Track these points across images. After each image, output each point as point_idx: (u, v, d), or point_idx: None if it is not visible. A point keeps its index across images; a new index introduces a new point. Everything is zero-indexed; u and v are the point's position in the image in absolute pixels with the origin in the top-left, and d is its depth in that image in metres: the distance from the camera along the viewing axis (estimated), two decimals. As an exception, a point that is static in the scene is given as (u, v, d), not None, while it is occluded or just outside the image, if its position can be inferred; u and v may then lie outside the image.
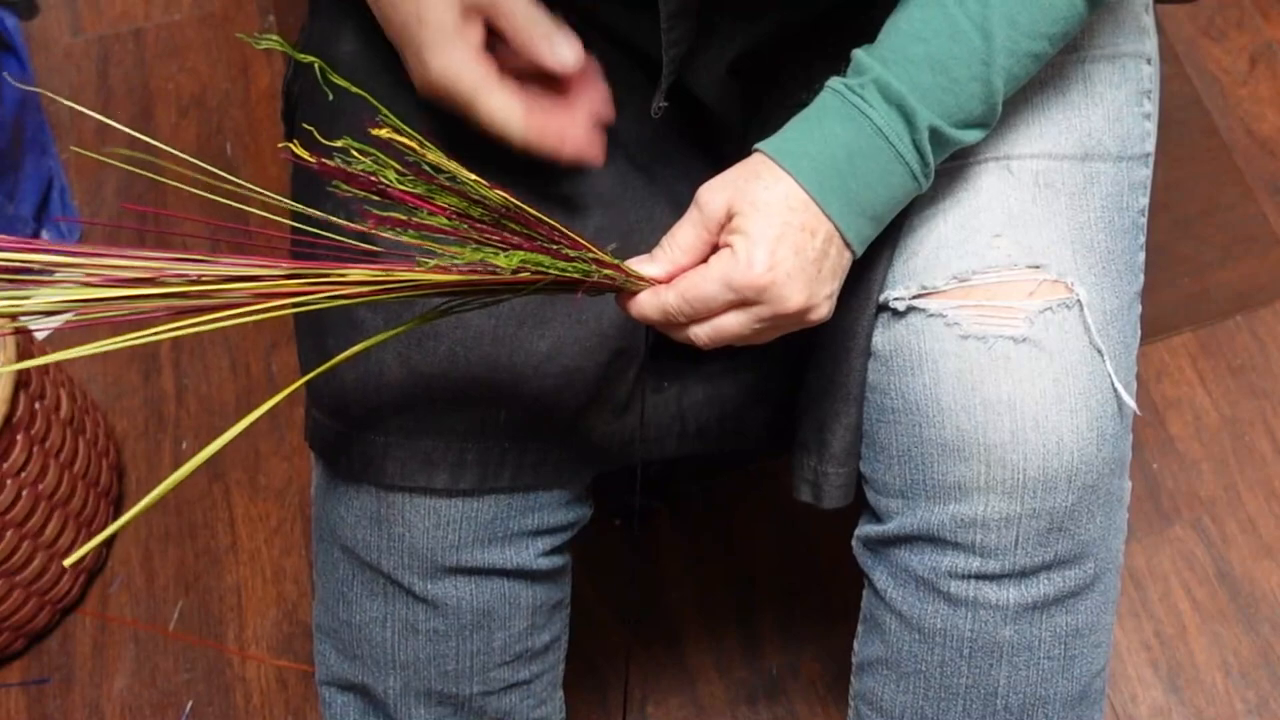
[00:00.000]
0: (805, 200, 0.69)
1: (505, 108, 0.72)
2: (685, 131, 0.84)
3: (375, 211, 0.64)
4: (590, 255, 0.69)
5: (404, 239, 0.64)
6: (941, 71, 0.70)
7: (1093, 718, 0.82)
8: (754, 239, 0.68)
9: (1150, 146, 0.84)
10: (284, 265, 0.65)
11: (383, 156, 0.64)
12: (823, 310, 0.71)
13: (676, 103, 0.82)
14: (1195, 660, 1.24)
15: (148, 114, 1.60)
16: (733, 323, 0.70)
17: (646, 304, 0.71)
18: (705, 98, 0.84)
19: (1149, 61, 0.85)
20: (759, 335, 0.71)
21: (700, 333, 0.70)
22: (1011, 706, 0.78)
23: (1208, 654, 1.25)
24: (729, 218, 0.70)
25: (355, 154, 0.63)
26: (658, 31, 0.77)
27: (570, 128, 0.74)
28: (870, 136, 0.70)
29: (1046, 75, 0.79)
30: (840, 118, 0.71)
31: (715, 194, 0.70)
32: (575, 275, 0.68)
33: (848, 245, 0.72)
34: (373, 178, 0.64)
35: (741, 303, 0.69)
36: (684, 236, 0.71)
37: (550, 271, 0.67)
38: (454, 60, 0.71)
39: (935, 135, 0.71)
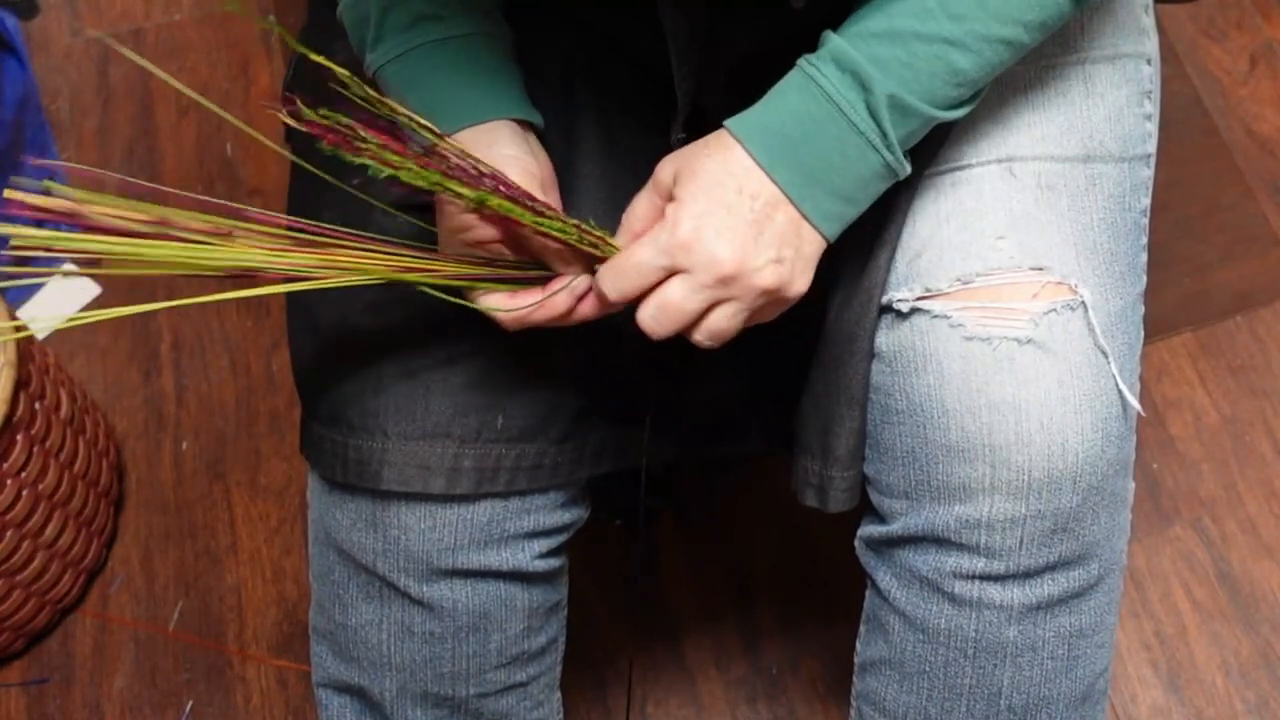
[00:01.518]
0: (749, 166, 0.69)
1: (493, 302, 0.73)
2: None
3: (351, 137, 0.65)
4: (571, 220, 0.70)
5: (363, 160, 0.65)
6: (901, 46, 0.69)
7: (1095, 718, 0.82)
8: (683, 201, 0.69)
9: (1152, 147, 0.84)
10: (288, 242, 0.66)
11: (344, 120, 0.66)
12: (767, 276, 0.69)
13: (694, 125, 0.82)
14: (1195, 660, 1.24)
15: (148, 114, 1.60)
16: (674, 295, 0.69)
17: (592, 281, 0.72)
18: (709, 109, 0.84)
19: (1149, 62, 0.85)
20: (715, 311, 0.70)
21: (645, 314, 0.70)
22: (1015, 707, 0.78)
23: (1208, 654, 1.24)
24: (673, 190, 0.71)
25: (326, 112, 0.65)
26: (667, 51, 0.78)
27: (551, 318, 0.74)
28: (821, 104, 0.69)
29: (1047, 77, 0.79)
30: (795, 88, 0.71)
31: (666, 164, 0.72)
32: (554, 233, 0.69)
33: (806, 218, 0.71)
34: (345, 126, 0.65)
35: (675, 268, 0.69)
36: (638, 205, 0.72)
37: (525, 221, 0.68)
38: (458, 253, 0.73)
39: (896, 104, 0.69)
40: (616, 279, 0.69)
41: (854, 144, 0.70)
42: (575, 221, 0.70)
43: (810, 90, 0.70)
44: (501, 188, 0.68)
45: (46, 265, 0.63)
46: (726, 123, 0.71)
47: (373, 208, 0.77)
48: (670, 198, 0.71)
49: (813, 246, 0.72)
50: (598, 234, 0.71)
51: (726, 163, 0.69)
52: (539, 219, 0.69)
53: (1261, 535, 1.30)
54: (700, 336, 0.71)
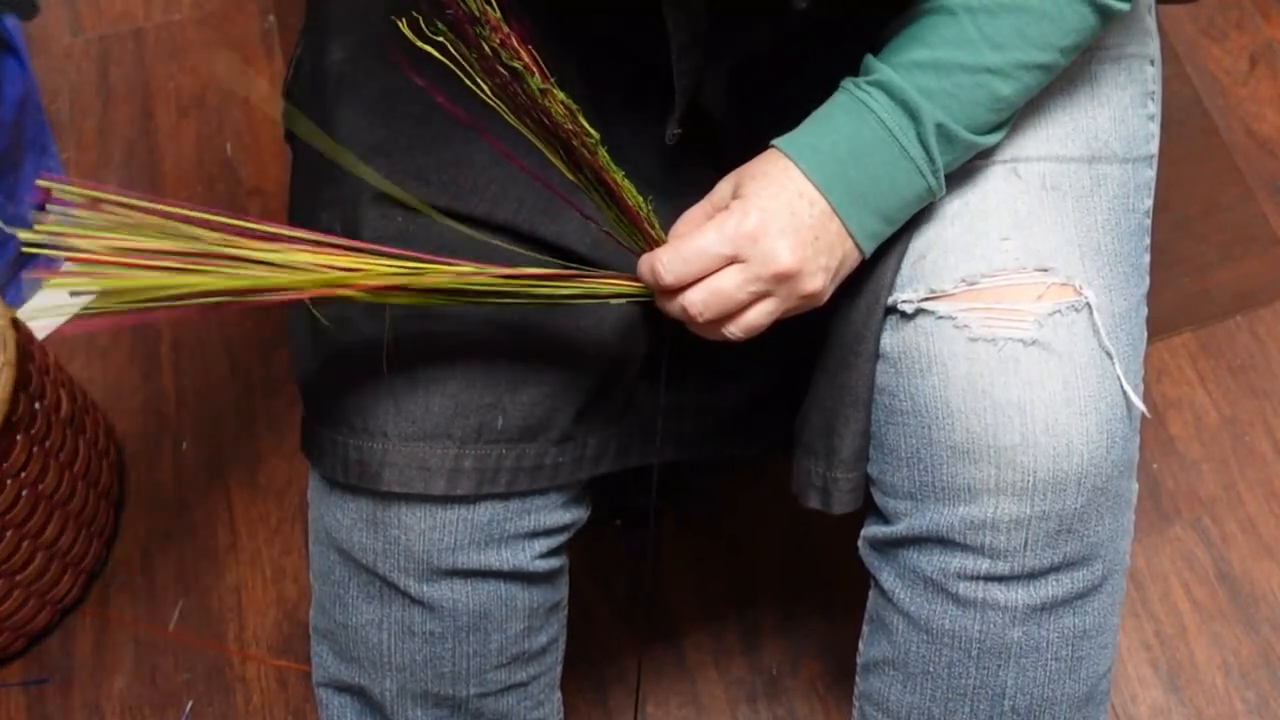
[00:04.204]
0: (806, 182, 0.72)
1: None
2: (702, 151, 0.85)
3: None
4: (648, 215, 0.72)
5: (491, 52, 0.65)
6: (947, 77, 0.72)
7: (1098, 719, 0.82)
8: (750, 199, 0.71)
9: (1154, 148, 0.84)
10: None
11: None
12: (817, 281, 0.72)
13: (690, 123, 0.83)
14: (1195, 660, 1.24)
15: (148, 114, 1.60)
16: (728, 283, 0.71)
17: (643, 262, 0.73)
18: (709, 109, 0.84)
19: (1152, 62, 0.85)
20: (755, 306, 0.72)
21: (695, 297, 0.71)
22: (1019, 708, 0.78)
23: (1208, 654, 1.24)
24: (734, 197, 0.73)
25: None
26: (667, 48, 0.78)
27: None
28: (874, 130, 0.72)
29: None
30: (847, 113, 0.73)
31: (725, 181, 0.74)
32: (629, 198, 0.71)
33: (850, 235, 0.73)
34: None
35: (735, 258, 0.71)
36: (693, 213, 0.75)
37: (616, 178, 0.70)
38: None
39: (943, 133, 0.72)
40: (680, 263, 0.71)
41: (903, 169, 0.72)
42: (646, 199, 0.72)
43: (863, 115, 0.72)
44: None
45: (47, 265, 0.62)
46: (775, 142, 0.74)
47: (368, 208, 0.78)
48: (726, 208, 0.73)
49: (850, 262, 0.75)
50: (654, 216, 0.73)
51: (787, 170, 0.72)
52: (624, 179, 0.71)
53: (1261, 535, 1.30)
54: (734, 329, 0.73)
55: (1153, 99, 0.84)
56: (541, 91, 0.66)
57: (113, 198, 0.62)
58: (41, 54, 1.65)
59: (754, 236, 0.70)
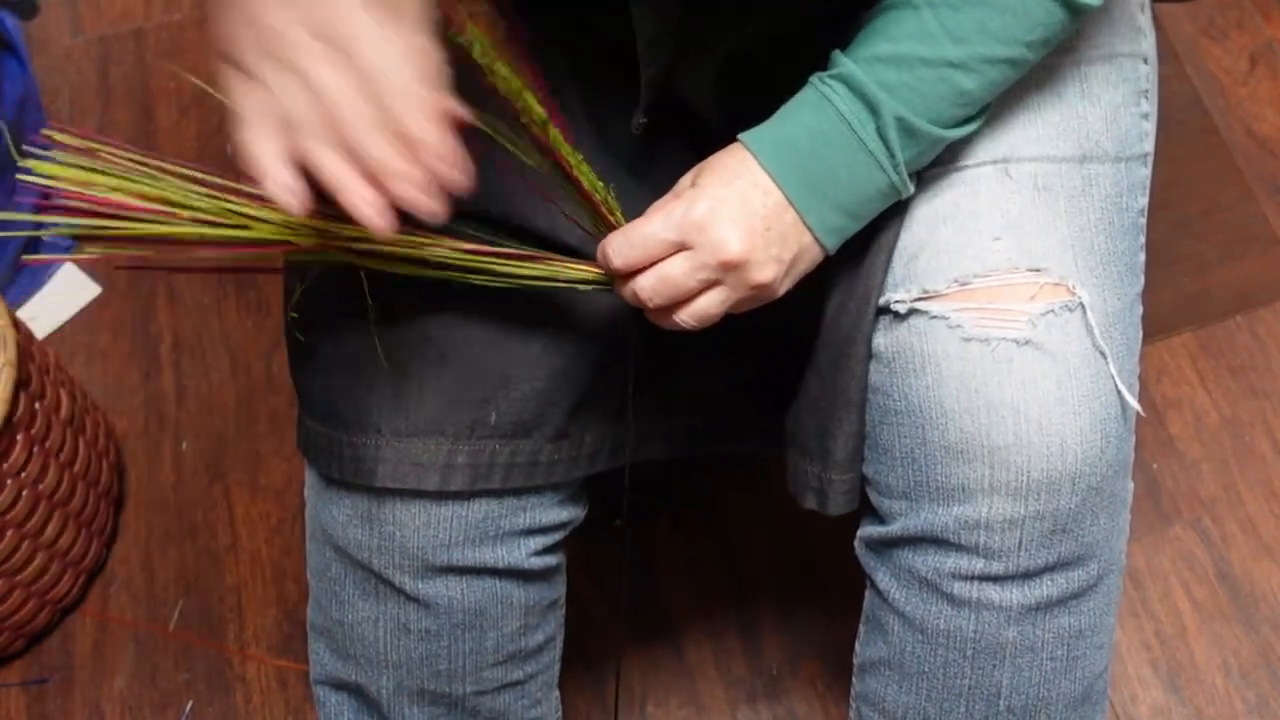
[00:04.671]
0: (761, 172, 0.72)
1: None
2: (683, 138, 0.85)
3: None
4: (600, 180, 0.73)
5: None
6: (907, 70, 0.71)
7: (1094, 719, 0.82)
8: (703, 188, 0.72)
9: (1149, 146, 0.84)
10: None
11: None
12: (768, 271, 0.72)
13: (672, 110, 0.83)
14: (1195, 660, 1.24)
15: (148, 114, 1.60)
16: (675, 269, 0.71)
17: (599, 247, 0.74)
18: (696, 106, 0.85)
19: (1146, 61, 0.85)
20: (705, 294, 0.73)
21: (645, 282, 0.72)
22: (1014, 708, 0.78)
23: (1208, 654, 1.24)
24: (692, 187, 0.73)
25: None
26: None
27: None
28: (834, 122, 0.72)
29: (1043, 77, 0.79)
30: (809, 106, 0.73)
31: (688, 174, 0.75)
32: (585, 181, 0.71)
33: (809, 228, 0.73)
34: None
35: (684, 244, 0.71)
36: (657, 204, 0.74)
37: (570, 159, 0.70)
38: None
39: (904, 126, 0.72)
40: (626, 247, 0.71)
41: (862, 162, 0.72)
42: (605, 183, 0.73)
43: (824, 107, 0.72)
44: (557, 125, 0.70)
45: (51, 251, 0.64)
46: (740, 136, 0.74)
47: None
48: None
49: (809, 257, 0.75)
50: (614, 200, 0.73)
51: (743, 162, 0.72)
52: (581, 163, 0.71)
53: (1261, 535, 1.30)
54: (685, 316, 0.73)
55: (1146, 97, 0.84)
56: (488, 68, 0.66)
57: (108, 148, 0.64)
58: (41, 54, 1.65)
59: (701, 224, 0.70)
